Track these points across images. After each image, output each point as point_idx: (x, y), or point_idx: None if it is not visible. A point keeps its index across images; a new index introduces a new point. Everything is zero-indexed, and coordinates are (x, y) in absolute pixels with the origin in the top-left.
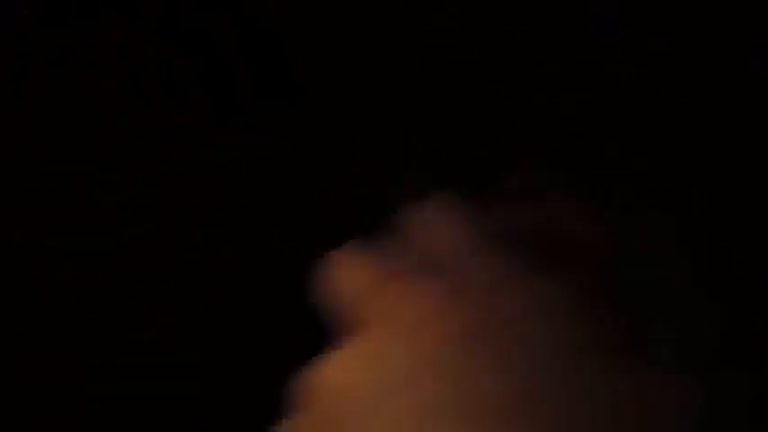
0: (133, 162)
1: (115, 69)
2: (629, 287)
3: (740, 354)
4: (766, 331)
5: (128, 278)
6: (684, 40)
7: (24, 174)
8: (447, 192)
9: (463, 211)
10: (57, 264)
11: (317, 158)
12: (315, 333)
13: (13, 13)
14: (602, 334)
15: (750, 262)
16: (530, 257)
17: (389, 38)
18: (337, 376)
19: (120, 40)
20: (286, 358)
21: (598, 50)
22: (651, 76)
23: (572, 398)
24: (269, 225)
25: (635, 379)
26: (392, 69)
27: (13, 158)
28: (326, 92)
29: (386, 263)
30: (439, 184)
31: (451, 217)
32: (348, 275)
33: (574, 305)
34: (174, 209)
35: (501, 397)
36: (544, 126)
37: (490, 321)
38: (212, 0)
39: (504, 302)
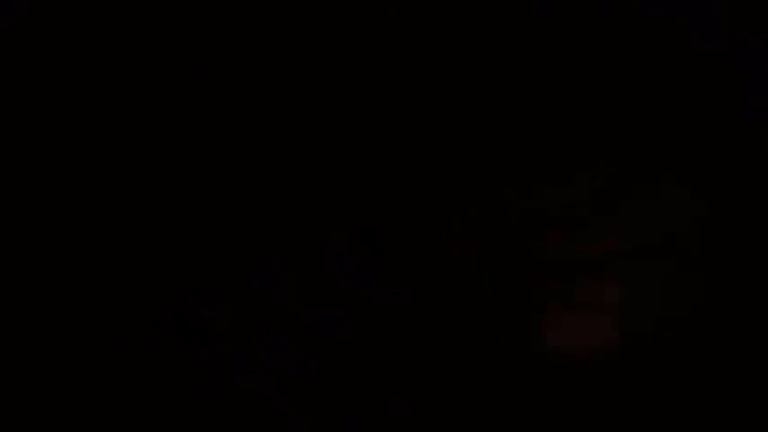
0: (133, 162)
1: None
2: None
3: None
4: None
5: (127, 277)
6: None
7: (24, 173)
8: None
9: None
10: (57, 264)
11: (317, 158)
12: (315, 330)
13: (13, 12)
14: None
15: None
16: None
17: (389, 38)
18: None
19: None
20: (285, 357)
21: (598, 49)
22: (651, 74)
23: None
24: (268, 224)
25: None
26: (391, 70)
27: (13, 158)
28: (327, 94)
29: None
30: (439, 185)
31: None
32: None
33: None
34: (173, 209)
35: None
36: (547, 127)
37: None
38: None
39: None
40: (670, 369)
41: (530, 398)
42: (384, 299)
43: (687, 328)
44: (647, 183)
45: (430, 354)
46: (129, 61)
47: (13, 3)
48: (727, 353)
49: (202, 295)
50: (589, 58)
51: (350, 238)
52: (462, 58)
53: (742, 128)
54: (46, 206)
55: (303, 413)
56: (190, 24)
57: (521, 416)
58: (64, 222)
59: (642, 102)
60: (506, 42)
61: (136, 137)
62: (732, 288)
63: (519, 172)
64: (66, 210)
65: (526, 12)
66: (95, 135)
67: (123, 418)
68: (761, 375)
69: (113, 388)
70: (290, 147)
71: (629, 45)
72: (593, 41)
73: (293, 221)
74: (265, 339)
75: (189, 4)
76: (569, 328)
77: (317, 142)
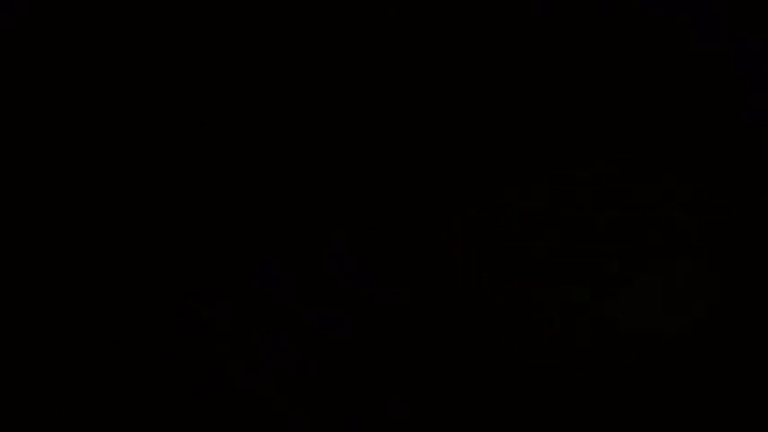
0: (133, 162)
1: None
2: None
3: None
4: None
5: (127, 277)
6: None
7: (24, 173)
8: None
9: None
10: (57, 264)
11: (317, 158)
12: (318, 330)
13: (13, 12)
14: None
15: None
16: None
17: (389, 38)
18: None
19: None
20: (285, 357)
21: (598, 49)
22: (650, 73)
23: None
24: (268, 224)
25: None
26: (392, 70)
27: (13, 158)
28: (327, 94)
29: None
30: (439, 185)
31: None
32: None
33: None
34: (173, 209)
35: None
36: (547, 127)
37: None
38: None
39: None
40: (671, 368)
41: (530, 398)
42: (384, 299)
43: (688, 328)
44: (647, 183)
45: (430, 354)
46: (129, 61)
47: (13, 3)
48: (730, 354)
49: (202, 295)
50: (589, 58)
51: (350, 238)
52: (462, 57)
53: (742, 128)
54: (46, 206)
55: (303, 413)
56: (190, 24)
57: (521, 416)
58: (64, 222)
59: (642, 102)
60: (506, 42)
61: (136, 137)
62: (733, 287)
63: (519, 172)
64: (67, 210)
65: (526, 12)
66: (95, 135)
67: (123, 418)
68: (761, 377)
69: (113, 388)
70: (289, 147)
71: (629, 45)
72: (594, 41)
73: (293, 221)
74: (265, 339)
75: (189, 4)
76: (569, 328)
77: (316, 142)
